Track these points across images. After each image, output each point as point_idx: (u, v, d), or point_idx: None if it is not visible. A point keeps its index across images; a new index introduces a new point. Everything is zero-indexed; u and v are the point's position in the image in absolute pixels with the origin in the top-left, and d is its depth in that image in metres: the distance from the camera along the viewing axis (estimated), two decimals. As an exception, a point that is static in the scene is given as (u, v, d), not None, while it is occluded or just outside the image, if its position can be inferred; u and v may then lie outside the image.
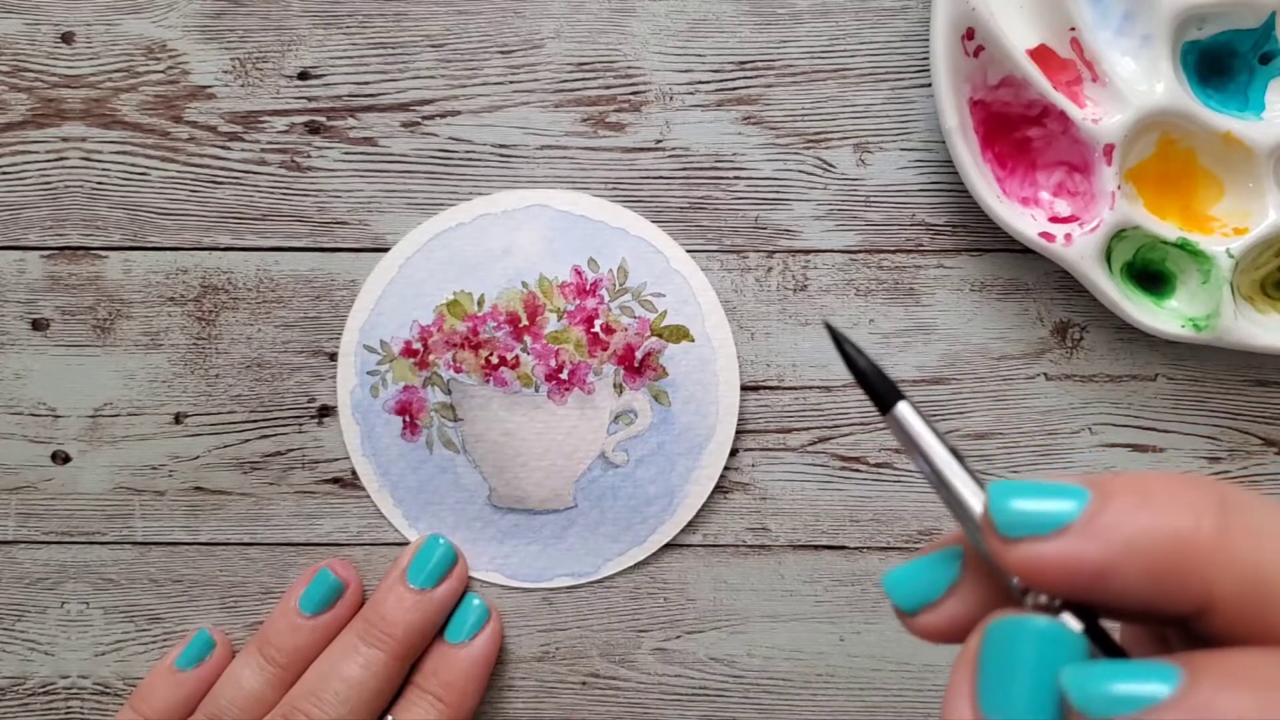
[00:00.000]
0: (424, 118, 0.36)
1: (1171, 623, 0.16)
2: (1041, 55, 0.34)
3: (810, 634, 0.37)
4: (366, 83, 0.36)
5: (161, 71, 0.36)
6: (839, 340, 0.19)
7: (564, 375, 0.36)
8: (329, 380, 0.37)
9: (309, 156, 0.36)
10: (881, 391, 0.19)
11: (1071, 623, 0.16)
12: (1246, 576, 0.15)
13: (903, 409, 0.18)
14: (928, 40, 0.34)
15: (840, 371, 0.36)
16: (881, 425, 0.36)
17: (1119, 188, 0.34)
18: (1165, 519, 0.15)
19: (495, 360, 0.36)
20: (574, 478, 0.36)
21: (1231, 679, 0.14)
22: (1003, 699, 0.15)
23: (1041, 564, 0.16)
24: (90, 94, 0.36)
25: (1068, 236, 0.34)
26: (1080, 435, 0.37)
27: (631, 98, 0.36)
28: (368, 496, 0.37)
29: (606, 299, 0.36)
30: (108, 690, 0.37)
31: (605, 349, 0.36)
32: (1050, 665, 0.15)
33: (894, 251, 0.36)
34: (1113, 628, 0.18)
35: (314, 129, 0.36)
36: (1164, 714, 0.14)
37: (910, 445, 0.18)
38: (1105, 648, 0.16)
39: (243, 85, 0.36)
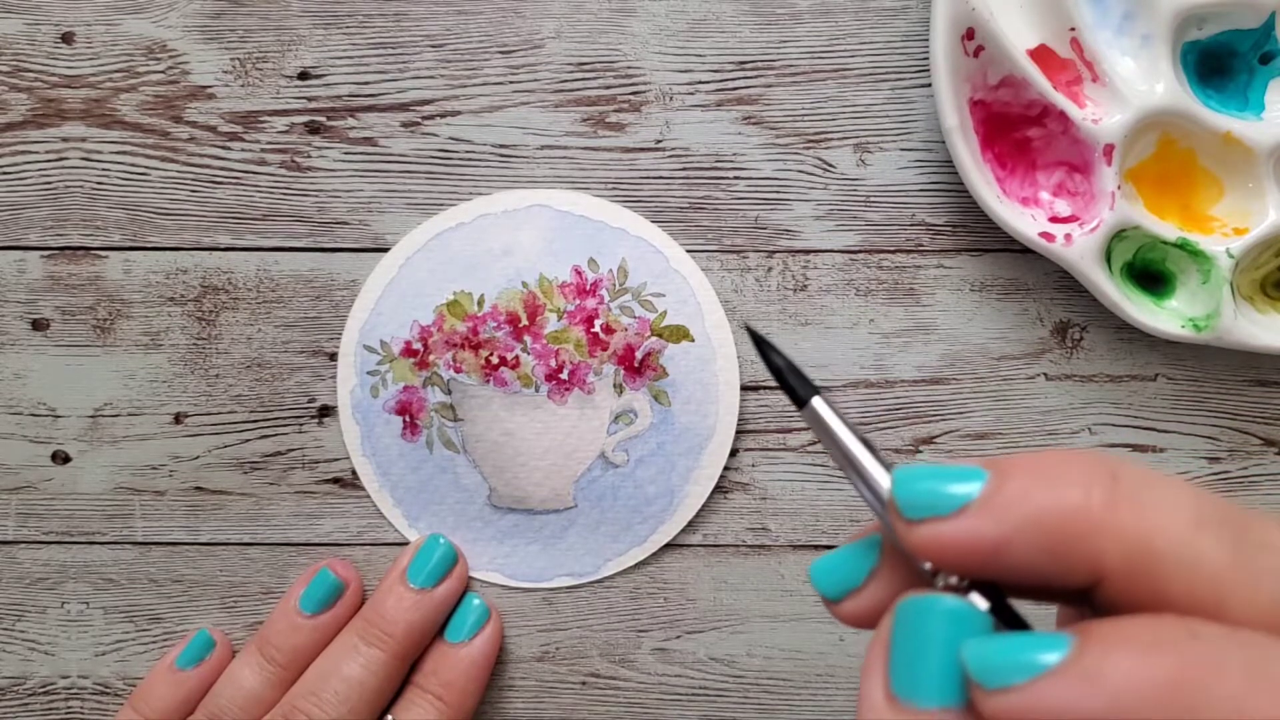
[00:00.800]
0: (424, 118, 0.36)
1: (1074, 597, 0.17)
2: (1041, 55, 0.34)
3: (810, 634, 0.37)
4: (366, 83, 0.36)
5: (161, 71, 0.36)
6: (758, 341, 0.21)
7: (564, 375, 0.36)
8: (329, 380, 0.37)
9: (309, 156, 0.36)
10: (797, 388, 0.19)
11: (978, 601, 0.17)
12: (1133, 546, 0.15)
13: (817, 404, 0.19)
14: (928, 40, 0.34)
15: (840, 371, 0.36)
16: (883, 425, 0.36)
17: (1119, 188, 0.34)
18: (1056, 494, 0.16)
19: (495, 360, 0.36)
20: (574, 478, 0.36)
21: (1117, 644, 0.14)
22: (911, 677, 0.16)
23: (941, 543, 0.16)
24: (90, 94, 0.36)
25: (1068, 236, 0.34)
26: (1080, 435, 0.37)
27: (631, 98, 0.36)
28: (368, 496, 0.37)
29: (606, 299, 0.36)
30: (108, 690, 0.37)
31: (605, 349, 0.36)
32: (957, 643, 0.16)
33: (894, 251, 0.36)
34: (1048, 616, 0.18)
35: (314, 129, 0.36)
36: (1054, 679, 0.14)
37: (826, 438, 0.19)
38: (1014, 625, 0.17)
39: (243, 85, 0.36)
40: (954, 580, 0.17)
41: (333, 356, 0.37)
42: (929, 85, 0.36)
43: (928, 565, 0.17)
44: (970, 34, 0.33)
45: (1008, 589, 0.17)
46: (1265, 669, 0.13)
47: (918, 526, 0.17)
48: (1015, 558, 0.16)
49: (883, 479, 0.18)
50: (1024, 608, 0.17)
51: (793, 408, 0.36)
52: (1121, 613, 0.15)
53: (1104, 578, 0.16)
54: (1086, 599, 0.17)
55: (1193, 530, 0.15)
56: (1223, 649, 0.14)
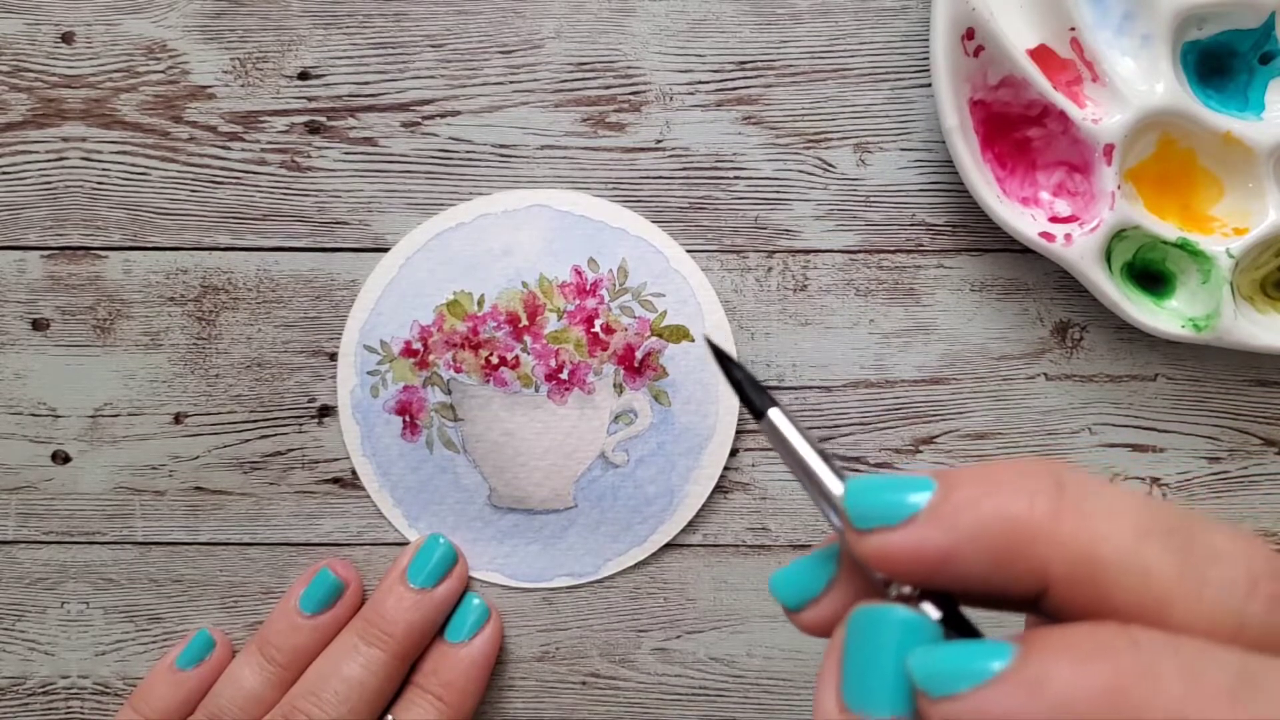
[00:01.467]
0: (424, 118, 0.36)
1: (1026, 605, 0.17)
2: (1041, 55, 0.34)
3: (810, 634, 0.37)
4: (366, 83, 0.36)
5: (161, 71, 0.36)
6: (718, 354, 0.21)
7: (564, 375, 0.36)
8: (329, 380, 0.37)
9: (309, 156, 0.36)
10: (755, 400, 0.20)
11: (930, 611, 0.17)
12: (1076, 554, 0.15)
13: (774, 415, 0.19)
14: (928, 40, 0.34)
15: (840, 371, 0.36)
16: (883, 425, 0.36)
17: (1119, 188, 0.34)
18: (1001, 503, 0.16)
19: (495, 360, 0.36)
20: (574, 478, 0.36)
21: (1059, 651, 0.14)
22: (862, 686, 0.16)
23: (890, 552, 0.17)
24: (90, 94, 0.36)
25: (1068, 236, 0.34)
26: (1080, 435, 0.37)
27: (631, 98, 0.36)
28: (368, 496, 0.37)
29: (606, 299, 0.36)
30: (108, 690, 0.37)
31: (605, 349, 0.36)
32: (907, 652, 0.16)
33: (894, 251, 0.36)
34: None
35: (314, 129, 0.36)
36: (997, 687, 0.14)
37: (782, 449, 0.19)
38: (966, 634, 0.17)
39: (243, 85, 0.36)
40: (906, 590, 0.17)
41: (333, 356, 0.37)
42: (929, 85, 0.36)
43: (881, 575, 0.17)
44: (970, 34, 0.33)
45: (961, 598, 0.17)
46: (1203, 675, 0.14)
47: (868, 536, 0.17)
48: (962, 567, 0.16)
49: (836, 489, 0.18)
50: (981, 617, 0.17)
51: (797, 405, 0.36)
52: (1068, 620, 0.16)
53: (1050, 586, 0.16)
54: (1030, 606, 0.17)
55: (1136, 538, 0.15)
56: (1161, 656, 0.14)
